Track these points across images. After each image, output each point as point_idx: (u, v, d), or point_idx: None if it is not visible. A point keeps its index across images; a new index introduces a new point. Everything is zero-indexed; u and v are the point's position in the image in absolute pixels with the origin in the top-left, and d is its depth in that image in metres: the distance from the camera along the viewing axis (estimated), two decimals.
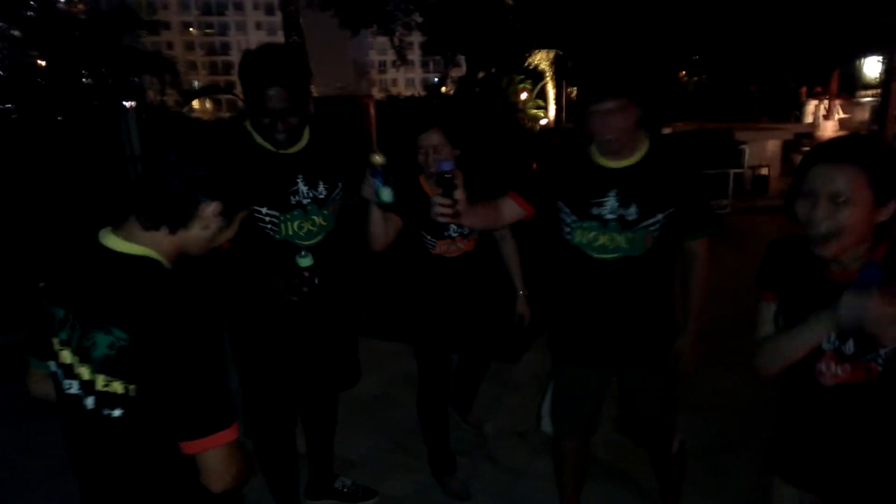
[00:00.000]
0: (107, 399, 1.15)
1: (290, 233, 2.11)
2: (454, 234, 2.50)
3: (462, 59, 18.09)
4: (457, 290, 2.59)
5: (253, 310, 2.20)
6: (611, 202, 1.97)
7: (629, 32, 11.96)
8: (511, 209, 2.11)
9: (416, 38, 21.33)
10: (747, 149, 8.32)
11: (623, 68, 1.89)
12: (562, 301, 2.21)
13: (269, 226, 2.09)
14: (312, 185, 2.13)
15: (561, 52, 17.16)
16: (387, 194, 1.96)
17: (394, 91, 52.41)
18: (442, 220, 1.82)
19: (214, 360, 1.14)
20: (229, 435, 1.14)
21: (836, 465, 1.51)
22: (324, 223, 2.18)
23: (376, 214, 2.13)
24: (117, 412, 1.15)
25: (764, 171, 9.42)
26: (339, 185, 2.21)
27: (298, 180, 2.11)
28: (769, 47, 12.90)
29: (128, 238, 1.18)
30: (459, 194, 1.78)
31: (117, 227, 1.21)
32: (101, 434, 1.19)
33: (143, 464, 1.21)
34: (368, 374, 3.86)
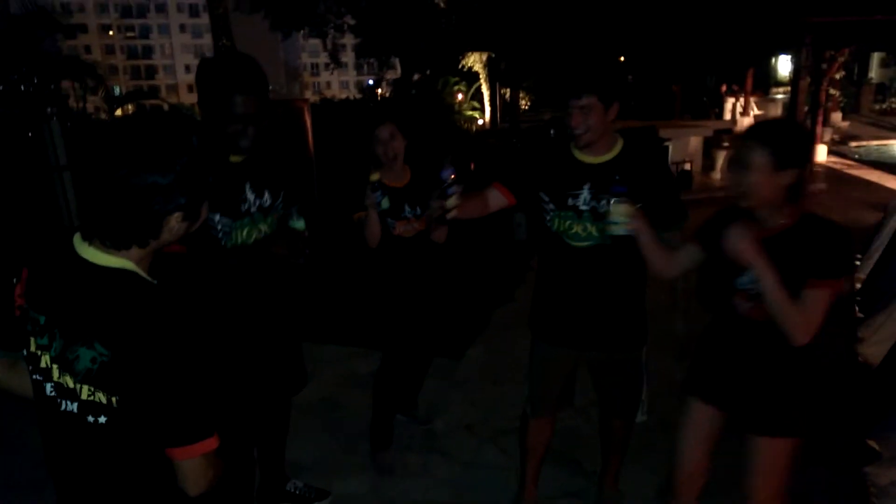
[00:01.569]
0: (91, 407, 1.16)
1: (240, 241, 2.13)
2: (409, 216, 2.76)
3: (396, 61, 18.10)
4: (413, 267, 2.83)
5: (202, 314, 2.20)
6: (585, 194, 2.15)
7: (557, 34, 12.30)
8: (496, 198, 2.34)
9: (350, 40, 21.15)
10: (671, 145, 8.73)
11: (597, 69, 2.11)
12: (542, 282, 2.40)
13: (220, 233, 2.09)
14: (259, 194, 2.15)
15: (493, 55, 17.44)
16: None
17: (327, 94, 51.74)
18: (437, 220, 2.13)
19: (200, 369, 1.15)
20: (211, 444, 1.18)
21: (737, 384, 1.93)
22: (267, 231, 2.21)
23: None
24: (102, 419, 1.16)
25: (687, 166, 9.88)
26: (282, 193, 2.23)
27: (246, 188, 2.13)
28: (690, 49, 13.54)
29: (102, 250, 1.16)
30: (454, 200, 2.08)
31: (90, 238, 1.17)
32: (83, 439, 1.19)
33: (125, 467, 1.22)
34: (311, 377, 3.89)
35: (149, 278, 1.20)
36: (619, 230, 1.96)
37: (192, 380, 1.15)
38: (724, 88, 19.99)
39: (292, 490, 2.77)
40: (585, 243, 2.18)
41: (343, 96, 29.58)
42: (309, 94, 66.75)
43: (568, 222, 2.19)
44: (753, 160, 1.69)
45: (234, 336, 2.20)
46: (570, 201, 2.17)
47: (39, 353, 1.20)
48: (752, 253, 1.68)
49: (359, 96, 24.45)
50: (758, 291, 1.74)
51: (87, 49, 68.65)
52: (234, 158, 2.09)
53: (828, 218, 1.77)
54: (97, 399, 1.15)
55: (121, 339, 1.11)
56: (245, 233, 2.13)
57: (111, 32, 76.11)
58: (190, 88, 64.70)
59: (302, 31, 17.75)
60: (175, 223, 1.18)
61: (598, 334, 2.29)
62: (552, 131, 10.04)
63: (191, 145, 1.16)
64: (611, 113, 2.09)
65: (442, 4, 15.40)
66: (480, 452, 3.13)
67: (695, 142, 10.64)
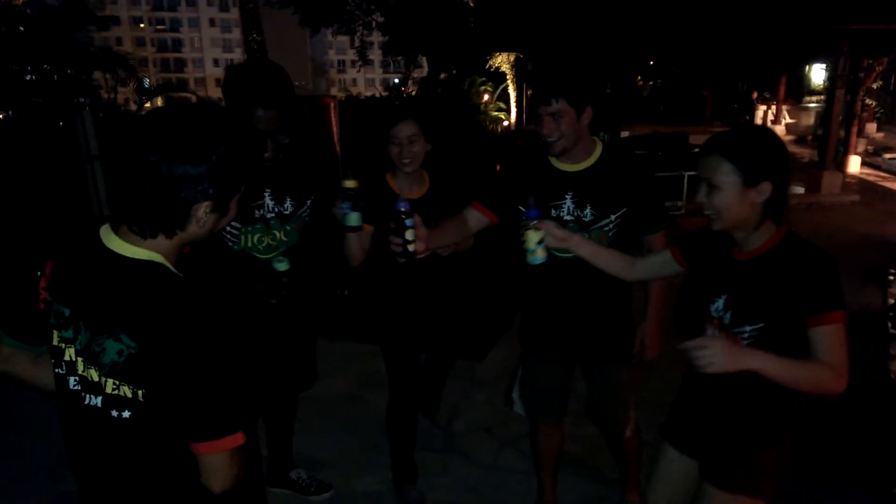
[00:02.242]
0: (116, 401, 1.15)
1: (249, 245, 2.11)
2: None
3: (423, 59, 18.08)
4: (424, 289, 2.58)
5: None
6: (567, 204, 2.09)
7: (587, 36, 12.19)
8: (476, 219, 2.21)
9: (377, 37, 21.20)
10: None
11: (567, 73, 1.99)
12: (529, 296, 2.32)
13: (228, 235, 2.08)
14: (279, 201, 2.13)
15: (521, 55, 17.34)
16: (353, 219, 2.01)
17: (353, 91, 52.01)
18: (399, 257, 1.86)
19: (229, 362, 1.13)
20: (237, 439, 1.16)
21: (705, 429, 1.70)
22: (284, 238, 2.18)
23: (351, 237, 2.15)
24: (126, 414, 1.15)
25: None
26: (308, 202, 2.21)
27: (265, 194, 2.11)
28: (722, 54, 13.33)
29: (130, 241, 1.15)
30: (418, 232, 1.84)
31: (117, 228, 1.17)
32: (106, 433, 1.18)
33: (148, 463, 1.20)
34: (337, 374, 3.92)
35: (176, 272, 1.19)
36: (536, 258, 1.76)
37: (220, 374, 1.13)
38: (755, 95, 19.66)
39: (295, 478, 2.79)
40: (572, 254, 2.07)
41: (369, 94, 29.66)
42: (335, 91, 67.14)
43: None
44: (719, 178, 1.47)
45: (243, 331, 2.20)
46: (553, 212, 2.10)
47: (63, 346, 1.18)
48: (736, 361, 1.39)
49: (385, 94, 24.52)
50: (727, 323, 1.55)
51: (119, 41, 69.68)
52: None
53: (809, 241, 1.53)
54: (122, 393, 1.14)
55: (149, 331, 1.09)
56: (256, 238, 2.11)
57: (142, 25, 77.29)
58: (218, 82, 65.46)
59: (330, 28, 17.78)
60: (203, 214, 1.16)
61: (587, 346, 2.24)
62: None
63: (228, 136, 1.15)
64: (584, 118, 2.01)
65: (471, 4, 15.34)
66: (501, 455, 3.09)
67: None
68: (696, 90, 16.45)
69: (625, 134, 9.86)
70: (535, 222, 1.75)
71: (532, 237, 1.74)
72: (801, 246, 1.51)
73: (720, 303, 1.57)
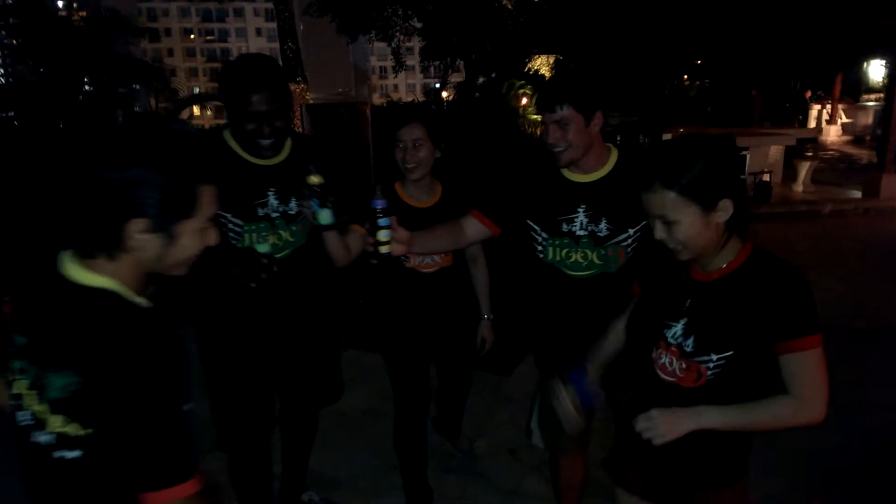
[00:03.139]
0: (64, 440, 1.06)
1: (252, 244, 2.05)
2: None
3: (461, 63, 18.00)
4: (432, 306, 2.43)
5: (222, 317, 2.14)
6: (580, 218, 1.90)
7: (629, 37, 11.88)
8: (474, 228, 2.04)
9: (416, 42, 21.25)
10: (749, 154, 8.21)
11: (572, 77, 1.85)
12: (542, 318, 2.15)
13: (231, 233, 2.05)
14: (284, 200, 2.09)
15: (561, 57, 17.11)
16: (325, 216, 1.87)
17: (395, 96, 52.43)
18: (371, 257, 1.76)
19: (177, 401, 1.03)
20: (188, 489, 1.04)
21: (650, 467, 1.54)
22: (290, 238, 2.13)
23: (328, 236, 1.99)
24: (76, 453, 1.06)
25: (766, 177, 9.29)
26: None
27: (269, 193, 2.07)
28: (772, 51, 12.81)
29: (87, 266, 1.06)
30: (396, 234, 1.74)
31: (67, 250, 1.09)
32: (56, 473, 1.10)
33: None
34: (358, 386, 3.80)
35: (136, 299, 1.08)
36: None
37: (167, 416, 1.02)
38: (808, 94, 18.95)
39: (307, 501, 2.68)
40: (587, 272, 1.93)
41: (409, 99, 29.82)
42: (376, 97, 67.91)
43: (565, 251, 1.94)
44: (675, 213, 1.32)
45: (256, 336, 2.16)
46: (564, 227, 1.92)
47: (19, 377, 1.10)
48: (678, 427, 1.34)
49: (423, 99, 24.55)
50: (688, 351, 1.40)
51: (171, 52, 72.18)
52: (263, 162, 2.04)
53: (778, 257, 1.39)
54: (70, 431, 1.05)
55: (91, 366, 1.00)
56: (258, 238, 2.07)
57: (192, 36, 79.92)
58: None
59: (368, 35, 17.90)
60: (139, 233, 1.05)
61: (608, 369, 2.02)
62: (619, 138, 9.66)
63: (160, 152, 1.05)
64: (594, 124, 1.82)
65: (509, 6, 15.19)
66: (524, 481, 2.91)
67: (775, 151, 10.01)
68: (745, 90, 15.86)
69: (667, 136, 9.50)
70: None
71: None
72: (769, 263, 1.36)
73: (678, 328, 1.42)
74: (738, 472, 1.48)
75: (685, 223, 1.32)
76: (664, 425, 1.33)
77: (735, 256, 1.39)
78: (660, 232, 1.37)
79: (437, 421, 3.06)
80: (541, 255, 1.99)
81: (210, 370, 2.19)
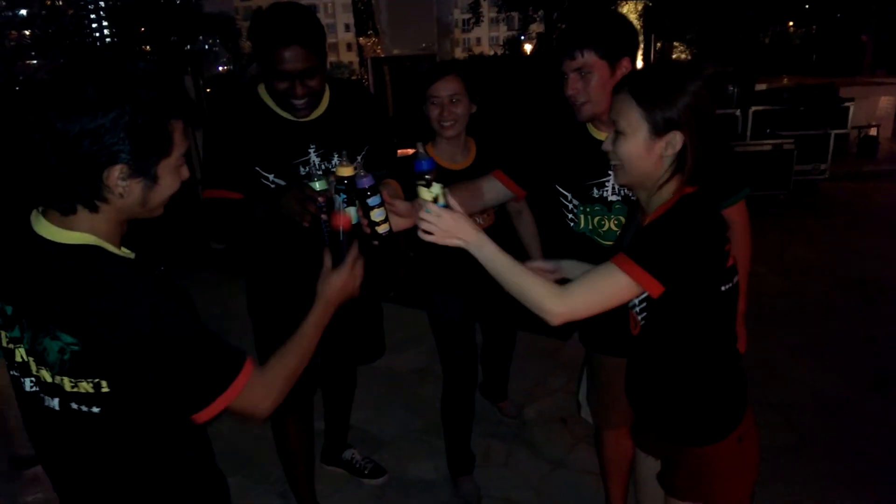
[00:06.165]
0: (78, 398, 1.04)
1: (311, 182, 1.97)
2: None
3: (539, 14, 17.27)
4: (476, 266, 2.34)
5: (273, 275, 2.10)
6: (612, 182, 1.72)
7: None
8: (494, 190, 1.84)
9: None
10: (853, 106, 7.42)
11: (594, 19, 1.64)
12: None
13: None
14: (325, 157, 1.97)
15: (650, 3, 16.09)
16: (352, 215, 1.48)
17: (477, 50, 51.39)
18: (371, 239, 1.49)
19: (183, 331, 1.03)
20: (238, 384, 1.06)
21: (643, 421, 1.57)
22: None
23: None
24: (95, 409, 1.04)
25: (873, 131, 8.41)
26: (359, 158, 2.02)
27: (311, 150, 1.95)
28: None
29: (61, 224, 1.02)
30: (395, 208, 1.49)
31: (47, 211, 1.04)
32: (74, 432, 1.09)
33: (124, 457, 1.11)
34: (412, 345, 3.77)
35: (120, 251, 1.05)
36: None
37: (181, 347, 1.02)
38: None
39: (349, 458, 2.68)
40: None
41: (491, 52, 29.10)
42: (458, 52, 66.85)
43: (597, 218, 1.78)
44: (625, 123, 1.28)
45: (306, 296, 2.08)
46: (595, 192, 1.75)
47: (13, 346, 1.08)
48: (448, 235, 1.31)
49: (504, 52, 23.91)
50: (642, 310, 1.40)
51: (260, 8, 73.55)
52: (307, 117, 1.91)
53: (702, 206, 1.29)
54: (83, 389, 1.02)
55: (85, 327, 0.97)
56: (315, 176, 1.94)
57: None
58: (349, 47, 67.36)
59: None
60: (119, 180, 1.00)
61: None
62: None
63: (132, 91, 0.98)
64: (620, 73, 1.59)
65: None
66: (573, 452, 2.80)
67: (885, 102, 9.04)
68: (854, 35, 14.33)
69: (761, 87, 8.72)
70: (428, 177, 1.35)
71: (425, 194, 1.34)
72: (681, 210, 1.27)
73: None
74: (722, 428, 1.39)
75: (630, 140, 1.29)
76: (439, 226, 1.30)
77: (666, 202, 1.31)
78: (608, 143, 1.34)
79: (483, 386, 2.99)
80: (572, 224, 1.84)
81: (260, 325, 2.16)
